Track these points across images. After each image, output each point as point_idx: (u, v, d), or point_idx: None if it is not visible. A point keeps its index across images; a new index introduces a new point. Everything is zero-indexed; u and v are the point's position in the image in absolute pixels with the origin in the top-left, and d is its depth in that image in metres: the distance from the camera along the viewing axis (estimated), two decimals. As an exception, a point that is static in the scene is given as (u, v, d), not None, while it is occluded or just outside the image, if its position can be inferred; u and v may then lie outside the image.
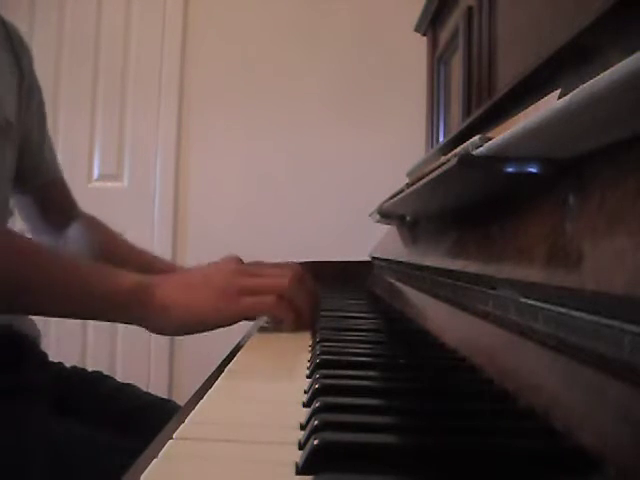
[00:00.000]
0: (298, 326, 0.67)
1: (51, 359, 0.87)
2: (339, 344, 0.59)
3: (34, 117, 0.94)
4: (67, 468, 0.63)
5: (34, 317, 0.87)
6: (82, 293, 0.65)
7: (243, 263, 0.70)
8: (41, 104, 0.98)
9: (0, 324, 0.77)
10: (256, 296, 0.64)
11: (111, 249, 1.00)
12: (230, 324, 0.64)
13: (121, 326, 1.88)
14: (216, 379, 0.49)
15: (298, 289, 0.67)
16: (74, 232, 1.01)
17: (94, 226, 1.04)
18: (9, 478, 0.61)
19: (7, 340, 0.77)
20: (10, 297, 0.64)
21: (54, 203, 1.00)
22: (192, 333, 0.65)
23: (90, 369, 0.92)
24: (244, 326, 0.72)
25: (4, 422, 0.64)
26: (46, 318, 0.87)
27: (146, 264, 0.97)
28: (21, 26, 0.97)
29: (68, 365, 0.91)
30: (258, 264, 0.74)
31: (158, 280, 0.66)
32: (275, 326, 0.71)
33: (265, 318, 0.75)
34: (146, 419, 0.78)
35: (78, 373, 0.90)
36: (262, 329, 0.73)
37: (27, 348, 0.80)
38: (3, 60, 0.87)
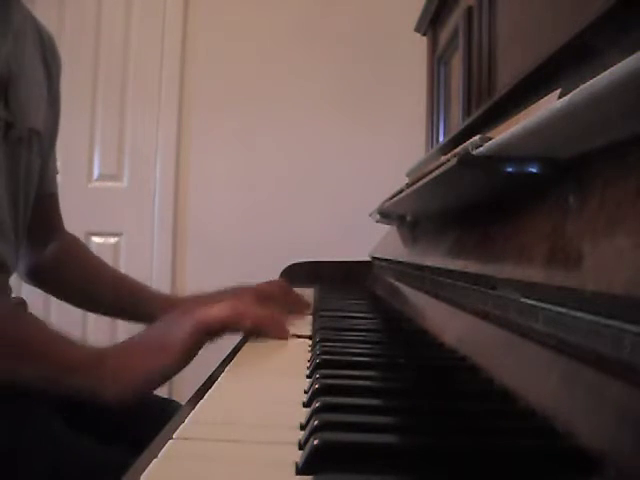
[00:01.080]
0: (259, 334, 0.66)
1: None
2: (339, 344, 0.59)
3: (49, 128, 0.93)
4: (69, 469, 0.63)
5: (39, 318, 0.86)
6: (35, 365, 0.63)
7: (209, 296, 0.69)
8: (57, 116, 0.97)
9: None
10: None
11: (91, 275, 0.99)
12: (197, 352, 0.64)
13: (121, 325, 1.87)
14: (216, 379, 0.49)
15: (252, 302, 0.66)
16: (54, 253, 0.99)
17: (75, 250, 1.02)
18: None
19: None
20: None
21: (42, 217, 0.96)
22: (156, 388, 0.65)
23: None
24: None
25: (6, 425, 0.64)
26: (47, 319, 0.86)
27: (127, 289, 0.97)
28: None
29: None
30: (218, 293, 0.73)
31: (111, 352, 0.64)
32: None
33: None
34: (149, 419, 0.78)
35: None
36: None
37: None
38: (36, 66, 0.86)
